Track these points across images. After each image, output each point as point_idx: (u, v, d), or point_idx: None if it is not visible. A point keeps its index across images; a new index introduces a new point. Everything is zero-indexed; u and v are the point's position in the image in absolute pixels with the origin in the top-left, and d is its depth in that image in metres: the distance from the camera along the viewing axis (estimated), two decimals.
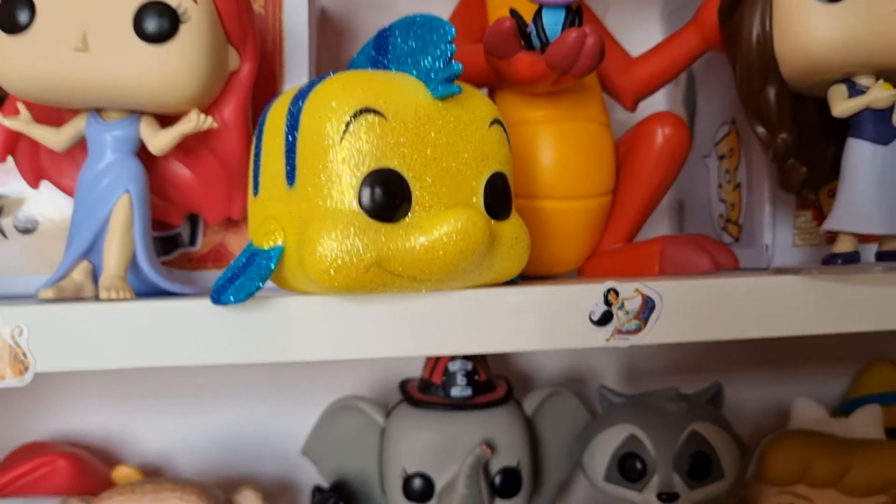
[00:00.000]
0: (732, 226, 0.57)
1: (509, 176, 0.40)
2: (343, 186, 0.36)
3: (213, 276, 0.49)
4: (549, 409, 0.58)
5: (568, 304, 0.40)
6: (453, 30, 0.37)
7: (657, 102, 0.63)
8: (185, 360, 0.38)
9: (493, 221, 0.39)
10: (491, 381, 0.57)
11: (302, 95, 0.38)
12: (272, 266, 0.37)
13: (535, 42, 0.45)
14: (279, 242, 0.37)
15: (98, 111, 0.42)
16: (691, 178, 0.61)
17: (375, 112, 0.36)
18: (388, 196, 0.36)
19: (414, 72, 0.38)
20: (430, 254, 0.36)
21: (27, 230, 0.48)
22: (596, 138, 0.49)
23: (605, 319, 0.41)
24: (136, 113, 0.42)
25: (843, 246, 0.43)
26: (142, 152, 0.43)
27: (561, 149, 0.48)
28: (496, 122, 0.40)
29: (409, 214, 0.36)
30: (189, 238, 0.49)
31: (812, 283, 0.42)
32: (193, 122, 0.41)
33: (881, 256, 0.45)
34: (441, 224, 0.36)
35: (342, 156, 0.36)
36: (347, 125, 0.36)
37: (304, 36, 0.51)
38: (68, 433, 0.63)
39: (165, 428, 0.64)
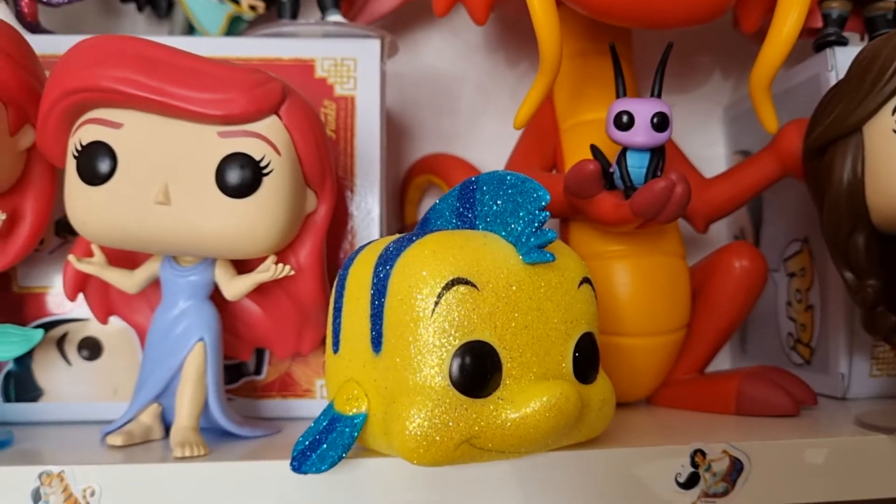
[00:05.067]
0: (803, 347, 0.56)
1: (597, 334, 0.39)
2: (433, 361, 0.34)
3: (278, 405, 0.48)
4: None
5: (654, 467, 0.39)
6: (547, 195, 0.35)
7: None
8: None
9: (581, 386, 0.37)
10: None
11: (389, 259, 0.36)
12: (355, 435, 0.36)
13: (618, 183, 0.43)
14: (363, 409, 0.36)
15: (173, 256, 0.41)
16: None
17: (467, 283, 0.35)
18: (480, 371, 0.34)
19: (503, 233, 0.37)
20: (521, 430, 0.34)
21: (91, 357, 0.47)
22: (673, 273, 0.48)
23: (691, 482, 0.39)
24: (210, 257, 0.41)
25: None
26: (215, 291, 0.42)
27: (637, 285, 0.47)
28: (585, 280, 0.38)
29: (500, 388, 0.35)
30: (255, 367, 0.47)
31: None
32: (270, 272, 0.40)
33: None
34: (532, 400, 0.34)
35: (433, 329, 0.34)
36: (439, 297, 0.34)
37: (375, 148, 0.50)
38: None
39: None
